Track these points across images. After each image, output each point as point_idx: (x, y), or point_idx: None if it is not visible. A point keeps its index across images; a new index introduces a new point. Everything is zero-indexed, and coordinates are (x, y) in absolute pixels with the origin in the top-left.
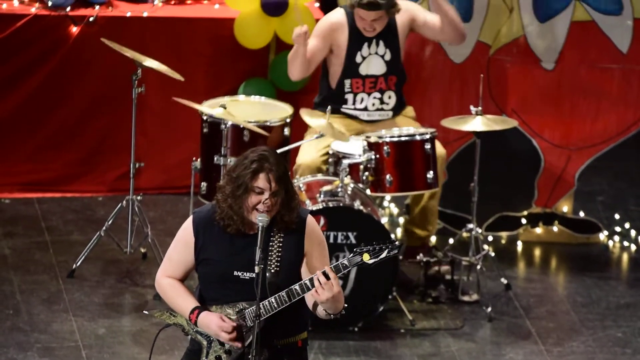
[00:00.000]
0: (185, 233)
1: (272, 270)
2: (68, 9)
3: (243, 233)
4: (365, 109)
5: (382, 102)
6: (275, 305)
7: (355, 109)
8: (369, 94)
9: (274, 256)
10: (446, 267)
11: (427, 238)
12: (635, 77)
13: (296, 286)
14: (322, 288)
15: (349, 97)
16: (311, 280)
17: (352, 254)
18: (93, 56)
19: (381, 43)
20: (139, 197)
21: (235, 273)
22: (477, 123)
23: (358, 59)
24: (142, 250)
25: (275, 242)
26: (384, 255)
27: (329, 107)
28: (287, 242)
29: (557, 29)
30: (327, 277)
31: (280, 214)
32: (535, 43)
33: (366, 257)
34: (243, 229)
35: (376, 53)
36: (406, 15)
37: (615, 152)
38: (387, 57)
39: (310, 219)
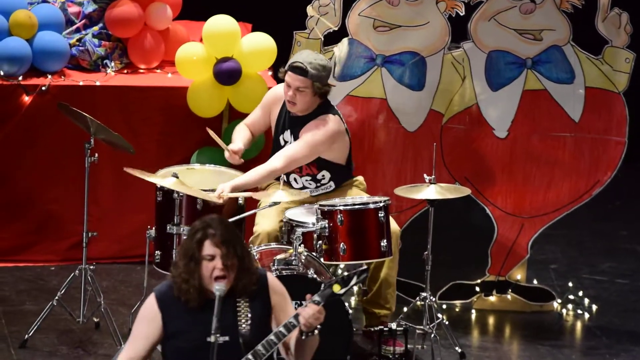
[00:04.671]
0: (150, 310)
1: (243, 331)
2: (20, 77)
3: (206, 301)
4: (304, 187)
5: (315, 180)
6: (264, 352)
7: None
8: (300, 176)
9: (243, 318)
10: (400, 347)
11: (386, 316)
12: (587, 145)
13: (281, 327)
14: (314, 317)
15: (283, 176)
16: (295, 317)
17: (321, 289)
18: (45, 125)
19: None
20: (91, 267)
21: (209, 339)
22: (431, 191)
23: (281, 141)
24: (95, 319)
25: (242, 307)
26: (354, 281)
27: (282, 175)
28: (253, 302)
29: (510, 97)
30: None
31: (239, 280)
32: (488, 111)
33: (336, 288)
34: (203, 298)
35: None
36: None
37: (568, 220)
38: None
39: (269, 274)
